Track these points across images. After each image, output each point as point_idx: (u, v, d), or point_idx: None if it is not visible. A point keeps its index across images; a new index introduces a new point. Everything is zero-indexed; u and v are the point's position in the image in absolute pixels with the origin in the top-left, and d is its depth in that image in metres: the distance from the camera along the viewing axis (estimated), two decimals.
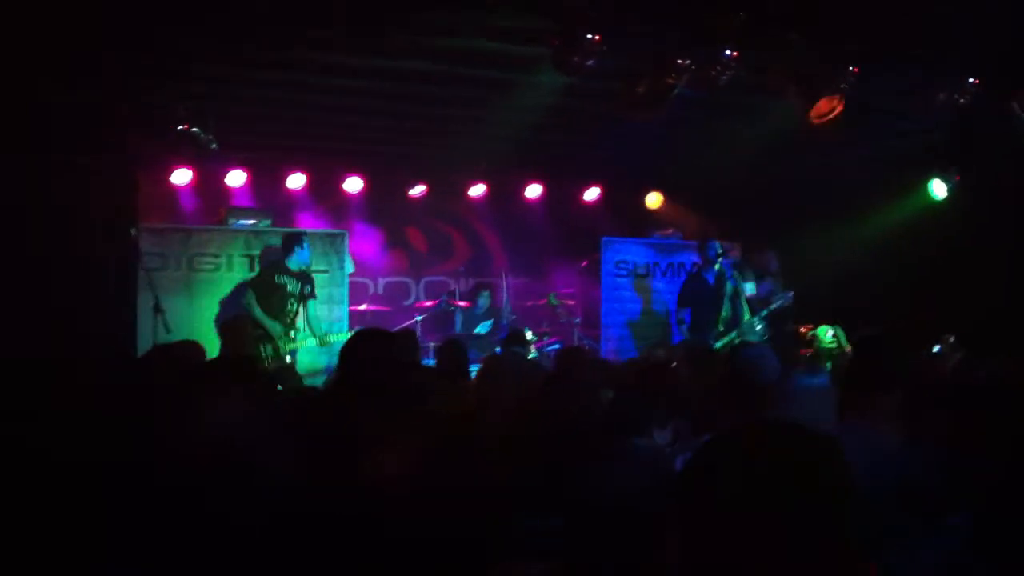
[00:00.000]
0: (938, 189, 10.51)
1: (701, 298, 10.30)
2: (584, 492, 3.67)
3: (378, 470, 3.01)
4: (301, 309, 10.04)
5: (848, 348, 8.87)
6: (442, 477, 3.24)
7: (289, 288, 9.93)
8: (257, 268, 10.67)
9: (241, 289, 10.19)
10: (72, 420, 3.50)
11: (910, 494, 3.60)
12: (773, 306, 9.94)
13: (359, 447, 3.16)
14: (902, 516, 3.51)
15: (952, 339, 8.50)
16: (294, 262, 10.00)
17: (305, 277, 10.11)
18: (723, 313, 10.08)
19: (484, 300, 11.49)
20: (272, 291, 9.83)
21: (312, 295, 10.15)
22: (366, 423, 3.12)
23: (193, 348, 5.78)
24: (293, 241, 10.08)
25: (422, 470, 3.08)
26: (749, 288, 10.41)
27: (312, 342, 9.92)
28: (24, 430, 3.35)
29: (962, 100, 7.79)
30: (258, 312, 9.65)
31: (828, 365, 8.68)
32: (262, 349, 9.52)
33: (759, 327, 9.83)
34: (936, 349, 8.27)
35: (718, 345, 9.77)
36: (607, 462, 3.91)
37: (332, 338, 10.02)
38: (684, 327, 10.36)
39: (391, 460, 3.09)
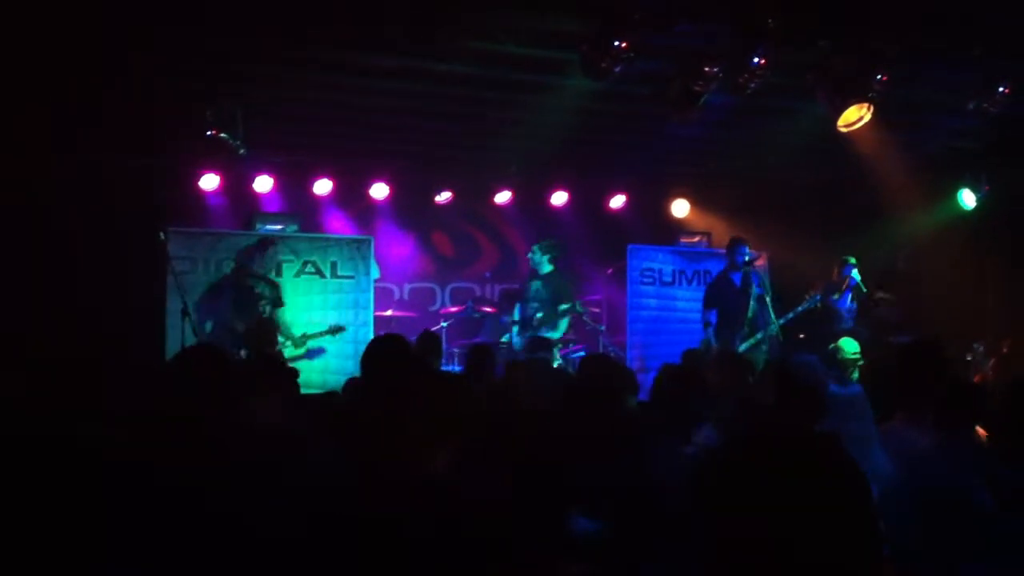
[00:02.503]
0: (967, 198, 10.47)
1: (727, 299, 10.28)
2: (620, 494, 3.67)
3: (410, 472, 3.01)
4: (275, 313, 9.76)
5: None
6: (475, 480, 3.24)
7: (258, 290, 9.71)
8: (284, 273, 10.74)
9: (222, 296, 9.79)
10: (104, 421, 3.51)
11: (944, 497, 3.59)
12: (800, 308, 9.90)
13: (390, 449, 3.16)
14: (936, 519, 3.50)
15: (981, 347, 8.48)
16: (266, 266, 9.87)
17: (273, 282, 9.93)
18: (750, 315, 10.05)
19: (514, 312, 11.48)
20: (246, 297, 9.60)
21: (280, 302, 9.88)
22: (394, 425, 3.12)
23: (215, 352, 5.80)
24: (267, 244, 9.91)
25: (455, 473, 3.09)
26: (844, 301, 10.34)
27: (290, 346, 9.83)
28: (56, 430, 3.36)
29: (992, 109, 7.76)
30: (238, 325, 9.41)
31: (855, 375, 8.69)
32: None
33: (780, 331, 9.77)
34: (969, 357, 8.25)
35: (743, 347, 9.75)
36: (643, 464, 3.91)
37: (310, 340, 9.97)
38: (710, 329, 10.34)
39: (423, 463, 3.09)
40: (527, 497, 3.33)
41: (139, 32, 6.74)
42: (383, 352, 4.98)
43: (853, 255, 10.39)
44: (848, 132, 7.61)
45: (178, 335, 8.59)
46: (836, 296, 10.33)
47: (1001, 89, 7.66)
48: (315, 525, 2.74)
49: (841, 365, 8.79)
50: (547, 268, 10.59)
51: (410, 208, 11.88)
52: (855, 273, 10.23)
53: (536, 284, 10.53)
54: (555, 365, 9.50)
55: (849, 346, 8.96)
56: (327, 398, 5.47)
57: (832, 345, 9.11)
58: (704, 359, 8.05)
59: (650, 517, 3.49)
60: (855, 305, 10.30)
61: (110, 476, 2.89)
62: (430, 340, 8.63)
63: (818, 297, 9.95)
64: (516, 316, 10.52)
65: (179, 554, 2.78)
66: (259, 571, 2.86)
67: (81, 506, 2.82)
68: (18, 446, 3.05)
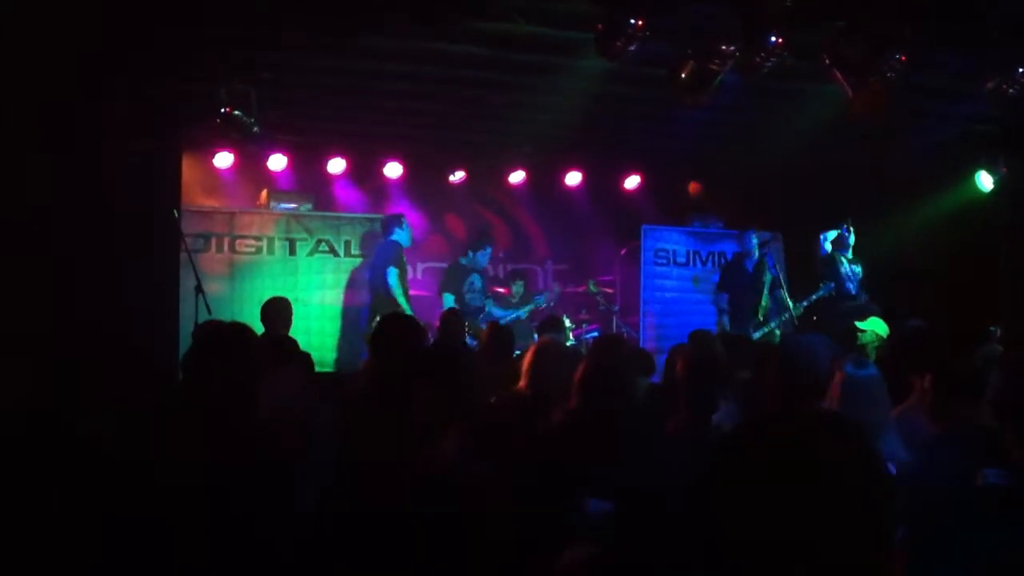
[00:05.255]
0: (985, 181, 10.38)
1: (739, 285, 10.29)
2: (631, 477, 3.67)
3: (430, 456, 2.99)
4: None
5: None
6: (491, 463, 3.23)
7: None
8: (298, 251, 10.83)
9: (386, 264, 10.32)
10: (107, 417, 3.51)
11: (944, 486, 3.57)
12: (814, 296, 9.87)
13: (409, 432, 3.15)
14: (934, 506, 3.47)
15: (998, 331, 8.41)
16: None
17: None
18: (763, 303, 10.03)
19: (518, 287, 11.46)
20: (404, 270, 10.40)
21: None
22: (416, 409, 3.10)
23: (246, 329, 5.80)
24: (393, 224, 10.56)
25: (472, 456, 3.07)
26: (858, 270, 10.30)
27: None
28: (59, 429, 3.36)
29: (1011, 90, 7.66)
30: (399, 293, 10.06)
31: (872, 355, 8.64)
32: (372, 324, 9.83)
33: (794, 316, 9.74)
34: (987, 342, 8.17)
35: (757, 335, 9.73)
36: (655, 448, 3.90)
37: None
38: (723, 313, 10.36)
39: (443, 446, 3.07)
40: (534, 485, 3.33)
41: (153, 15, 6.74)
42: (391, 334, 4.96)
43: (868, 238, 10.35)
44: (863, 115, 7.55)
45: (191, 313, 8.63)
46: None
47: (1021, 70, 7.56)
48: (319, 522, 2.73)
49: (863, 346, 8.76)
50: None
51: (424, 188, 11.86)
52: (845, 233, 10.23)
53: (479, 278, 10.78)
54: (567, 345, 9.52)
55: (880, 327, 8.94)
56: (335, 380, 5.47)
57: (858, 324, 9.08)
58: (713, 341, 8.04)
59: (656, 504, 3.48)
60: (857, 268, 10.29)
61: (110, 475, 2.89)
62: (455, 319, 8.70)
63: (832, 285, 9.90)
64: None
65: (180, 554, 2.77)
66: (262, 571, 2.86)
67: (81, 506, 2.82)
68: (19, 446, 3.06)
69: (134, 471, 2.88)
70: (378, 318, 9.74)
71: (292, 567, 2.83)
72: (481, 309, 10.68)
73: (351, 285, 11.06)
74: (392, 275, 10.07)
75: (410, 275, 12.11)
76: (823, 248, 10.34)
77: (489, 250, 10.92)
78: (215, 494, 2.88)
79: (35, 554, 2.78)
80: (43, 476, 2.98)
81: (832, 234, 10.31)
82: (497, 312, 10.78)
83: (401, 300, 10.06)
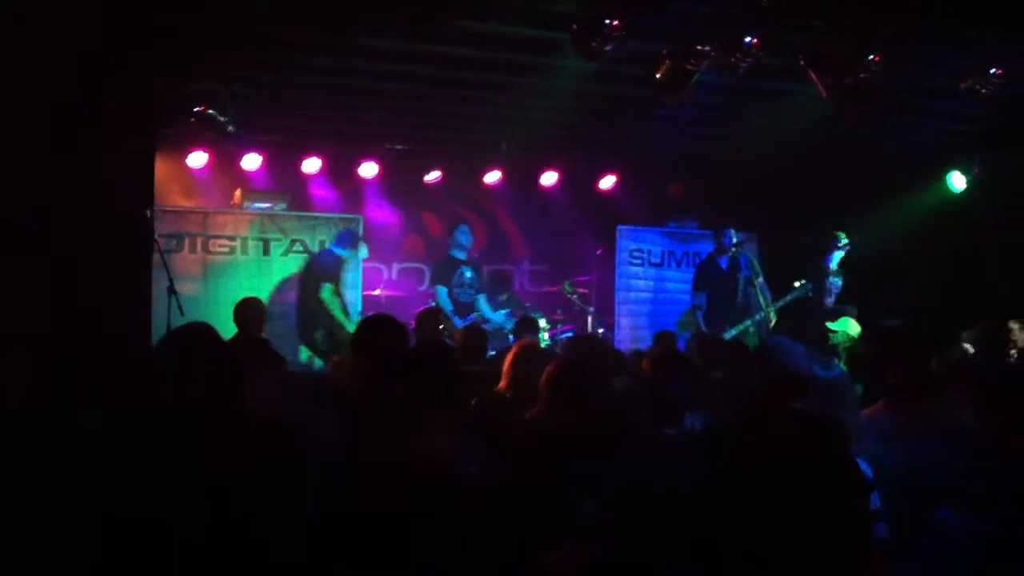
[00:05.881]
0: (957, 181, 10.43)
1: (714, 283, 10.32)
2: (621, 478, 3.66)
3: (424, 455, 2.96)
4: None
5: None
6: (479, 463, 3.21)
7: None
8: (272, 252, 10.80)
9: (318, 278, 10.51)
10: (102, 416, 3.47)
11: (920, 485, 3.57)
12: (790, 296, 9.89)
13: (402, 431, 3.11)
14: (911, 507, 3.47)
15: (974, 333, 8.46)
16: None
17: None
18: (737, 302, 10.08)
19: (502, 295, 11.48)
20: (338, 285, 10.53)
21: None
22: (406, 407, 3.08)
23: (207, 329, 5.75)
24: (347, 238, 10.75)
25: (461, 456, 3.05)
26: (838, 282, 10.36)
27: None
28: (55, 428, 3.32)
29: (984, 90, 7.71)
30: (337, 308, 10.28)
31: (843, 355, 8.68)
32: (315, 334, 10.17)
33: (772, 316, 9.78)
34: (964, 344, 8.23)
35: (732, 332, 9.76)
36: (642, 448, 3.90)
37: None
38: (700, 312, 10.37)
39: (436, 444, 3.04)
40: (520, 485, 3.31)
41: (129, 15, 6.68)
42: (374, 334, 4.94)
43: (846, 238, 10.38)
44: (841, 114, 7.57)
45: (164, 313, 8.55)
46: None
47: (993, 70, 7.60)
48: (318, 522, 2.71)
49: (835, 347, 8.81)
50: (465, 255, 10.89)
51: (400, 187, 11.82)
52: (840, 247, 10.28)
53: (468, 271, 10.81)
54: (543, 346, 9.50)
55: (851, 327, 8.97)
56: (317, 380, 5.43)
57: (829, 324, 9.12)
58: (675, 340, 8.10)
59: (638, 504, 3.47)
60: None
61: (110, 475, 2.86)
62: (433, 316, 8.71)
63: (809, 286, 9.92)
64: (448, 304, 10.58)
65: (180, 554, 2.75)
66: (262, 571, 2.84)
67: (81, 506, 2.79)
68: (19, 445, 3.02)
69: (134, 471, 2.86)
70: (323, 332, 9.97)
71: (292, 567, 2.82)
72: (471, 306, 10.68)
73: None
74: (326, 291, 10.26)
75: (384, 275, 12.08)
76: (828, 263, 10.34)
77: (465, 228, 10.92)
78: (215, 494, 2.86)
79: (35, 554, 2.75)
80: (43, 476, 2.95)
81: (839, 255, 10.34)
82: (488, 314, 10.82)
83: (339, 316, 10.23)
